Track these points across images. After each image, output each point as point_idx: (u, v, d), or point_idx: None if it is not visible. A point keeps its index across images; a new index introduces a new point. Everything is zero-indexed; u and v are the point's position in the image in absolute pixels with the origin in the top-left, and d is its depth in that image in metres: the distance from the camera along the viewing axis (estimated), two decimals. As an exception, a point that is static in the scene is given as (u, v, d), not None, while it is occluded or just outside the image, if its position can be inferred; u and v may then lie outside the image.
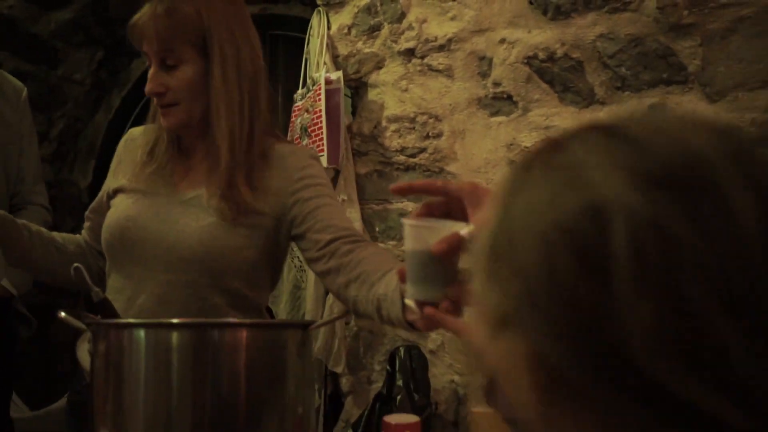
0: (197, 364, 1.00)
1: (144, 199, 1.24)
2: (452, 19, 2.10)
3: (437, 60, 2.13)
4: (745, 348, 0.36)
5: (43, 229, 1.32)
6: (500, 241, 0.42)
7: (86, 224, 1.39)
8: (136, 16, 1.21)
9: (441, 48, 2.12)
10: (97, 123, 3.73)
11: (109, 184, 1.33)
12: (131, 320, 1.12)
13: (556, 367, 0.39)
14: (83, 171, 3.72)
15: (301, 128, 2.23)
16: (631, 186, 0.38)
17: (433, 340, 2.16)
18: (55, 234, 1.35)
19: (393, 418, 1.19)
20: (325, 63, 2.20)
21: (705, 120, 0.41)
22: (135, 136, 1.35)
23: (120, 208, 1.25)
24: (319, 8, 2.27)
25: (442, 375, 2.13)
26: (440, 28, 2.12)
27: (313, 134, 2.18)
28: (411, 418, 1.22)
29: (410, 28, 2.15)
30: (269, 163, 1.24)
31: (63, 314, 1.08)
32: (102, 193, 1.35)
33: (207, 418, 1.00)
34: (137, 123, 3.74)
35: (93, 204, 1.38)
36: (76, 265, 1.11)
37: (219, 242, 1.19)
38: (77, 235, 1.39)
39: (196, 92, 1.20)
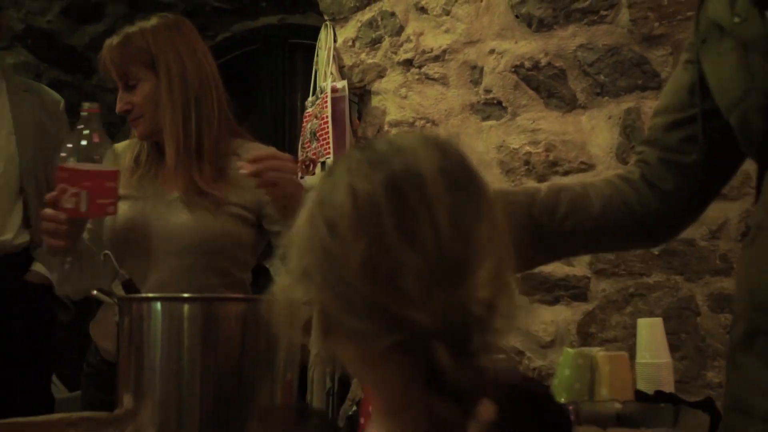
0: (205, 331, 1.22)
1: (137, 202, 1.45)
2: (446, 32, 2.30)
3: (433, 69, 2.33)
4: (416, 276, 0.58)
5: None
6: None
7: (89, 233, 1.51)
8: (101, 53, 1.46)
9: (436, 58, 2.31)
10: (128, 127, 3.98)
11: None
12: (150, 294, 1.34)
13: (326, 311, 0.61)
14: (116, 173, 3.98)
15: (310, 133, 2.45)
16: (364, 179, 0.61)
17: (431, 325, 2.36)
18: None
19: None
20: (331, 73, 2.41)
21: (433, 139, 0.64)
22: (119, 151, 1.55)
23: (119, 213, 1.42)
24: (327, 23, 2.48)
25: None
26: (435, 41, 2.31)
27: (321, 138, 2.39)
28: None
29: (408, 40, 2.35)
30: (240, 155, 1.43)
31: (95, 292, 1.30)
32: None
33: (213, 376, 1.21)
34: (166, 128, 3.98)
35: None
36: (105, 252, 1.33)
37: (210, 230, 1.41)
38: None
39: (155, 104, 1.43)
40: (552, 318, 2.20)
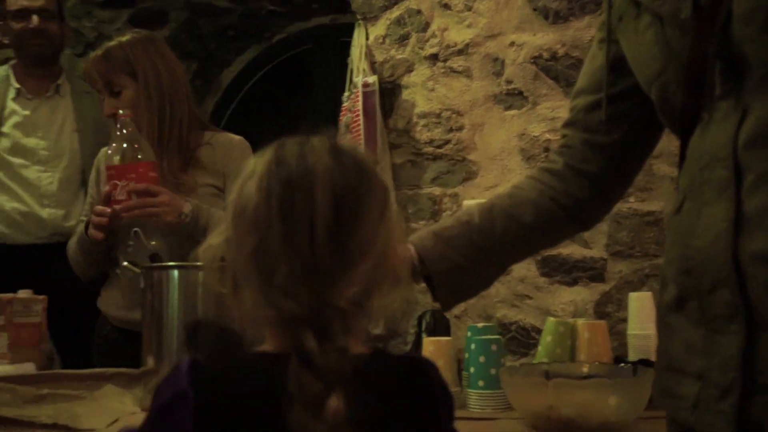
0: (216, 295, 1.39)
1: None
2: (468, 26, 2.41)
3: (457, 63, 2.45)
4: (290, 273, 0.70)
5: None
6: None
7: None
8: (85, 66, 1.71)
9: (460, 52, 2.43)
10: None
11: (102, 191, 1.72)
12: (170, 263, 1.52)
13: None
14: (182, 169, 4.25)
15: (344, 126, 2.61)
16: (271, 176, 0.73)
17: (458, 306, 2.48)
18: None
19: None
20: (363, 69, 2.56)
21: (333, 146, 0.75)
22: (101, 155, 1.82)
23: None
24: (359, 21, 2.64)
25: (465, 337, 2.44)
26: (459, 35, 2.43)
27: (353, 130, 2.55)
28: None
29: (434, 36, 2.48)
30: (214, 148, 1.75)
31: (126, 263, 1.50)
32: (91, 200, 1.79)
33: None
34: (229, 126, 4.24)
35: (87, 209, 1.79)
36: (135, 229, 1.53)
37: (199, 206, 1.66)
38: None
39: (137, 108, 1.66)
40: (571, 298, 2.29)
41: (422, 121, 2.54)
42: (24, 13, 2.26)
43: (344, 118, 2.63)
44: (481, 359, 1.39)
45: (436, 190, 2.52)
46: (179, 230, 1.60)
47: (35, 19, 2.25)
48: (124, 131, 1.58)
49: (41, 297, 1.59)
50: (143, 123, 1.68)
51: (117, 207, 1.55)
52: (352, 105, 2.57)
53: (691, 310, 0.84)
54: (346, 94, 2.66)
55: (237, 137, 1.86)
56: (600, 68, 1.04)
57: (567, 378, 1.28)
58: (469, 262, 1.11)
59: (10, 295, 1.56)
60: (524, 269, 2.36)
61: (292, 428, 0.68)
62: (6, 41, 2.34)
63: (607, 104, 1.03)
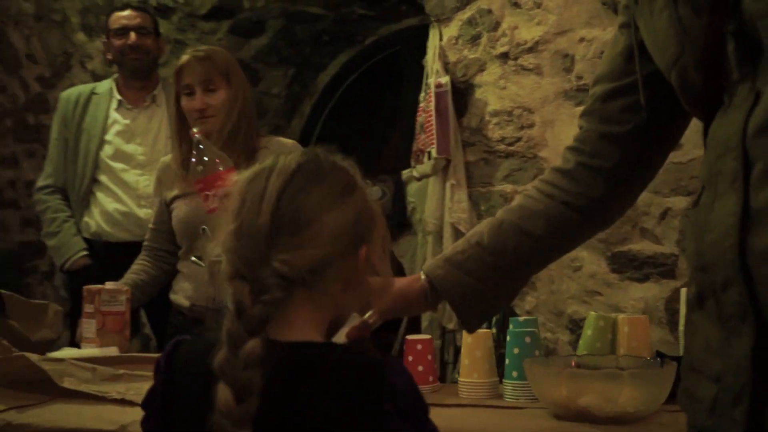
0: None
1: (194, 197, 1.79)
2: (538, 24, 2.44)
3: (528, 60, 2.47)
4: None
5: (137, 279, 1.94)
6: None
7: (152, 232, 1.98)
8: (184, 61, 1.87)
9: (530, 50, 2.46)
10: (293, 128, 4.45)
11: (163, 198, 1.91)
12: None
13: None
14: (283, 169, 4.47)
15: (419, 125, 2.69)
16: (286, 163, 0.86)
17: (530, 302, 2.51)
18: (138, 276, 1.95)
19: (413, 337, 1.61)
20: (437, 70, 2.63)
21: (302, 152, 0.89)
22: (166, 164, 1.98)
23: (183, 209, 1.86)
24: (433, 23, 2.71)
25: (536, 331, 2.47)
26: (528, 33, 2.46)
27: (426, 130, 2.62)
28: (425, 336, 1.62)
29: (504, 34, 2.52)
30: (270, 152, 1.83)
31: (193, 258, 1.66)
32: (158, 208, 1.96)
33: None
34: (325, 127, 4.41)
35: (155, 218, 1.98)
36: (203, 227, 1.69)
37: None
38: (138, 266, 1.98)
39: (226, 109, 1.84)
40: (641, 294, 2.27)
41: (494, 120, 2.58)
42: (123, 31, 2.49)
43: (419, 118, 2.71)
44: (515, 351, 1.44)
45: (508, 187, 2.56)
46: None
47: (133, 35, 2.48)
48: (201, 147, 1.74)
49: (125, 288, 1.78)
50: (227, 125, 1.85)
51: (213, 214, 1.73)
52: (426, 105, 2.65)
53: (710, 308, 0.79)
54: (422, 95, 2.74)
55: (290, 141, 2.04)
56: (619, 55, 0.99)
57: (595, 369, 1.30)
58: (485, 283, 1.10)
59: (99, 286, 1.75)
60: (594, 265, 2.36)
61: (215, 369, 0.80)
62: (110, 57, 2.58)
63: (625, 93, 0.99)
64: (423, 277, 1.13)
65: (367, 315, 1.09)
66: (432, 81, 2.62)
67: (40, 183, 2.56)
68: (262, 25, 3.96)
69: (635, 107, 0.99)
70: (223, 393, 0.78)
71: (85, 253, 2.47)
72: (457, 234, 2.53)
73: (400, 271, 2.91)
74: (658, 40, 0.89)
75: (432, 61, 2.68)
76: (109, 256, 2.42)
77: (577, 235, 1.14)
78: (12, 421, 1.32)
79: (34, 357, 1.43)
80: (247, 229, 0.85)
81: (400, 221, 2.97)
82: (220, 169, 1.72)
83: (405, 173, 2.88)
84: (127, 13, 2.53)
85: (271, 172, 0.88)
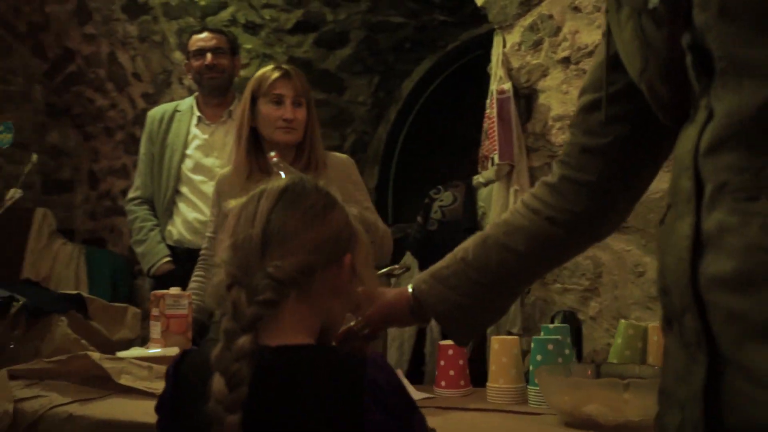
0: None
1: None
2: (598, 27, 2.41)
3: (589, 64, 2.45)
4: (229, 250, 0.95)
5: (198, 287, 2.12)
6: None
7: (210, 241, 2.15)
8: (278, 74, 2.05)
9: (591, 54, 2.44)
10: (379, 135, 4.56)
11: (222, 209, 2.02)
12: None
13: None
14: (371, 175, 4.58)
15: (483, 132, 2.72)
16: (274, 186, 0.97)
17: (593, 307, 2.49)
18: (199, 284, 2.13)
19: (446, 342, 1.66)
20: (500, 76, 2.66)
21: (293, 177, 1.01)
22: (224, 176, 2.15)
23: None
24: (497, 31, 2.73)
25: (600, 338, 2.45)
26: (589, 37, 2.44)
27: (490, 136, 2.65)
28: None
29: (565, 39, 2.51)
30: (328, 167, 2.06)
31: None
32: (217, 219, 2.11)
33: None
34: (410, 132, 4.50)
35: (213, 227, 2.15)
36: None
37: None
38: (198, 274, 2.17)
39: (303, 124, 2.05)
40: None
41: (557, 124, 2.58)
42: (200, 52, 2.68)
43: (484, 124, 2.74)
44: (538, 358, 1.46)
45: (572, 192, 2.55)
46: None
47: (209, 56, 2.66)
48: (281, 165, 1.89)
49: (187, 293, 1.93)
50: (300, 139, 2.04)
51: None
52: (490, 112, 2.67)
53: (676, 332, 0.75)
54: (487, 101, 2.77)
55: (343, 156, 2.22)
56: (598, 65, 0.96)
57: (619, 376, 1.31)
58: (470, 299, 1.10)
59: (164, 291, 1.91)
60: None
61: (211, 362, 0.91)
62: (190, 77, 2.78)
63: (607, 104, 0.94)
64: (410, 290, 1.15)
65: (353, 323, 1.15)
66: (494, 88, 2.65)
67: (130, 195, 2.79)
68: (345, 36, 4.10)
69: (617, 118, 0.96)
70: (217, 382, 0.89)
71: (168, 259, 2.67)
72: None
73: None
74: (626, 51, 0.86)
75: (496, 68, 2.70)
76: (190, 261, 2.60)
77: (562, 251, 1.12)
78: (74, 412, 1.48)
79: (95, 356, 1.60)
80: (242, 243, 0.97)
81: (470, 227, 3.01)
82: None
83: (474, 179, 2.92)
84: (204, 35, 2.71)
85: (262, 194, 1.01)
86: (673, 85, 0.79)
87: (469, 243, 1.14)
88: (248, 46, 3.89)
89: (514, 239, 1.08)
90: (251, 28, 3.91)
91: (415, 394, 1.57)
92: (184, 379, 1.01)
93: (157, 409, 1.06)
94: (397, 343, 2.78)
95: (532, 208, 1.09)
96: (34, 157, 2.38)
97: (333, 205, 1.02)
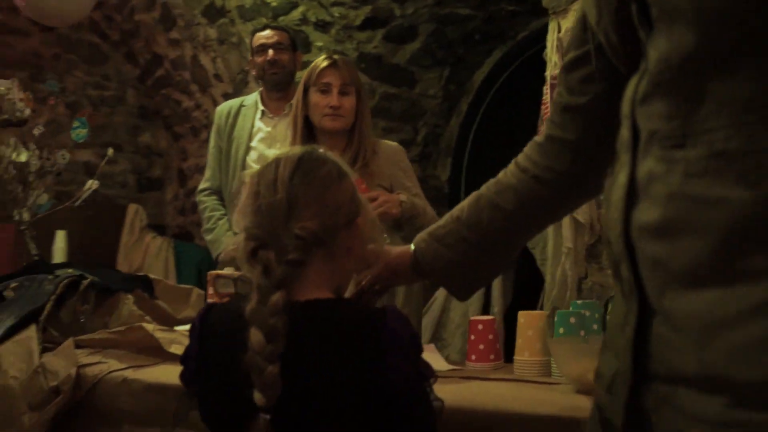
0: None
1: None
2: (650, 7, 2.38)
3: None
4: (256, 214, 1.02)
5: None
6: None
7: None
8: (326, 63, 2.13)
9: (643, 34, 2.41)
10: (451, 127, 4.60)
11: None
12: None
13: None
14: (443, 167, 4.63)
15: (539, 118, 2.73)
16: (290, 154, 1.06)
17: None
18: None
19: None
20: (555, 62, 2.66)
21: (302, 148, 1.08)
22: None
23: None
24: (551, 16, 2.73)
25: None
26: (641, 17, 2.41)
27: (545, 122, 2.66)
28: (487, 317, 1.70)
29: (617, 21, 2.49)
30: (378, 155, 2.14)
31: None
32: None
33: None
34: (482, 124, 4.51)
35: None
36: None
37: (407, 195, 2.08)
38: None
39: (353, 111, 2.12)
40: None
41: (612, 107, 2.56)
42: (262, 49, 2.81)
43: (541, 111, 2.75)
44: (561, 330, 1.49)
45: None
46: (404, 218, 2.03)
47: (270, 52, 2.79)
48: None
49: (238, 274, 2.05)
50: (348, 126, 2.14)
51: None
52: (546, 98, 2.68)
53: (618, 283, 0.76)
54: (544, 88, 2.77)
55: (394, 144, 2.30)
56: (578, 21, 0.95)
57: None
58: (463, 256, 1.13)
59: (217, 272, 2.04)
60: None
61: (247, 316, 0.99)
62: (254, 73, 2.92)
63: (582, 62, 0.94)
64: (412, 249, 1.20)
65: (361, 277, 1.22)
66: (549, 73, 2.65)
67: (201, 186, 2.96)
68: (414, 30, 4.17)
69: (591, 77, 0.95)
70: (255, 335, 0.98)
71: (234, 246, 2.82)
72: (576, 223, 2.54)
73: (531, 261, 2.96)
74: (587, 2, 0.87)
75: (551, 54, 2.71)
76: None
77: (548, 211, 1.13)
78: (128, 376, 1.62)
79: (149, 327, 1.73)
80: (266, 208, 1.05)
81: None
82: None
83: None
84: (266, 32, 2.85)
85: (279, 162, 1.09)
86: (625, 35, 0.79)
87: (465, 202, 1.17)
88: (319, 44, 4.02)
89: (504, 198, 1.10)
90: (321, 26, 4.04)
91: (444, 364, 1.62)
92: (210, 331, 1.10)
93: (183, 361, 1.15)
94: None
95: (521, 167, 1.10)
96: (110, 151, 2.56)
97: (345, 173, 1.10)
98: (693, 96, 0.65)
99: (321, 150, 1.12)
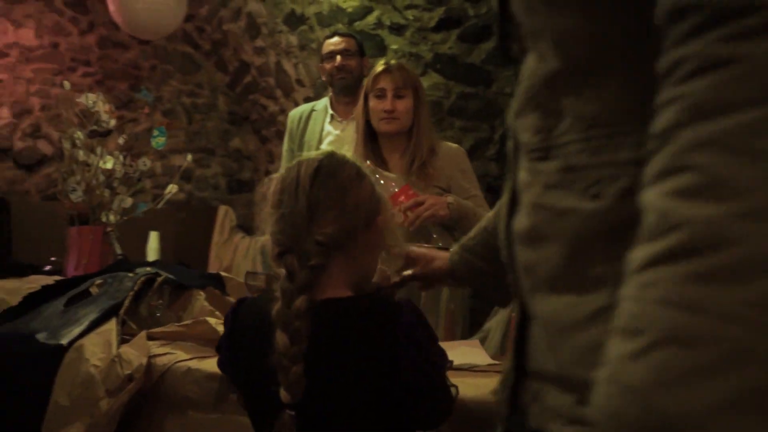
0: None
1: None
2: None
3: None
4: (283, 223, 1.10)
5: None
6: None
7: None
8: (381, 69, 2.22)
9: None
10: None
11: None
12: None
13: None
14: (522, 164, 4.63)
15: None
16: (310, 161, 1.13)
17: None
18: None
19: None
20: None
21: (322, 153, 1.15)
22: None
23: None
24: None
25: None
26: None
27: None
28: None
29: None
30: (438, 157, 2.21)
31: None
32: None
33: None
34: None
35: None
36: None
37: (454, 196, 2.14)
38: None
39: (409, 114, 2.19)
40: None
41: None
42: (331, 55, 2.92)
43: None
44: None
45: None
46: (453, 219, 2.10)
47: (338, 58, 2.89)
48: (376, 176, 2.10)
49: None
50: (406, 127, 2.23)
51: (405, 225, 2.09)
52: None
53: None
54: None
55: (454, 145, 2.37)
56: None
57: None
58: (491, 265, 1.16)
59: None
60: None
61: (273, 318, 1.08)
62: (323, 78, 3.04)
63: None
64: (445, 258, 1.27)
65: (404, 273, 1.31)
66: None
67: (275, 188, 3.11)
68: (488, 29, 4.18)
69: None
70: (280, 337, 1.07)
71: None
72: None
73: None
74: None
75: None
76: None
77: None
78: (192, 366, 1.75)
79: (213, 321, 1.86)
80: (289, 215, 1.14)
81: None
82: (395, 190, 2.07)
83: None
84: (334, 39, 2.96)
85: (300, 168, 1.17)
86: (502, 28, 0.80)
87: (491, 212, 1.21)
88: (394, 47, 4.11)
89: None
90: (396, 29, 4.13)
91: (485, 359, 1.67)
92: (241, 323, 1.20)
93: (218, 349, 1.26)
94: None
95: None
96: (189, 157, 2.74)
97: (363, 174, 1.18)
98: (554, 111, 0.67)
99: (340, 154, 1.19)
